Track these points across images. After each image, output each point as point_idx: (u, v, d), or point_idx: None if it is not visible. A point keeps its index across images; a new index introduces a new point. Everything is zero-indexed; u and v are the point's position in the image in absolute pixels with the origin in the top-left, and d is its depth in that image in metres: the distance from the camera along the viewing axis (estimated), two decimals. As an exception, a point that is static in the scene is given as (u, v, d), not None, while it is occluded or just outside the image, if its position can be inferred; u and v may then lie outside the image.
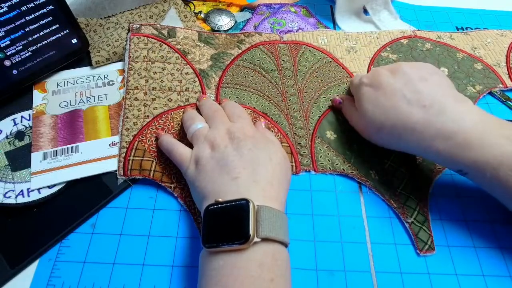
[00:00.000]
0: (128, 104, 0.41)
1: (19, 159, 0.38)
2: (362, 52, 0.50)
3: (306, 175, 0.39)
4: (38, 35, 0.42)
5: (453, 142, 0.31)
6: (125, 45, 0.46)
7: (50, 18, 0.43)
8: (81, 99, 0.43)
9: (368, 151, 0.40)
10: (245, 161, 0.31)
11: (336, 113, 0.43)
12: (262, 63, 0.47)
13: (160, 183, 0.37)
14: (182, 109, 0.42)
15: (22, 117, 0.42)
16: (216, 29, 0.52)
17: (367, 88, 0.38)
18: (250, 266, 0.26)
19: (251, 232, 0.26)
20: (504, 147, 0.30)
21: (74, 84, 0.44)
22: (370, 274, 0.33)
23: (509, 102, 0.46)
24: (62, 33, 0.44)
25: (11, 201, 0.35)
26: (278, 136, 0.41)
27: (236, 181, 0.30)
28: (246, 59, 0.47)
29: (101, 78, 0.45)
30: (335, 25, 0.55)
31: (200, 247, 0.29)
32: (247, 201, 0.27)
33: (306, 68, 0.47)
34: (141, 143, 0.39)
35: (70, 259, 0.33)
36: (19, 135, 0.40)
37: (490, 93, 0.47)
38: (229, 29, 0.53)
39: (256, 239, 0.26)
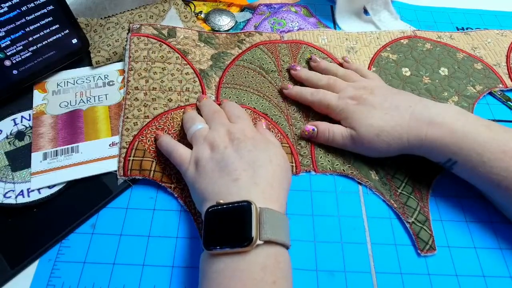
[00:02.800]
0: (128, 104, 0.41)
1: (19, 159, 0.38)
2: (362, 52, 0.49)
3: (306, 176, 0.39)
4: (38, 35, 0.42)
5: (443, 130, 0.34)
6: (125, 45, 0.46)
7: (50, 18, 0.43)
8: (81, 99, 0.43)
9: (369, 152, 0.40)
10: (245, 163, 0.31)
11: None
12: (263, 64, 0.47)
13: (160, 184, 0.37)
14: (182, 109, 0.42)
15: (22, 117, 0.42)
16: (216, 29, 0.52)
17: (355, 105, 0.39)
18: (252, 269, 0.26)
19: (254, 234, 0.26)
20: (485, 133, 0.33)
21: (74, 84, 0.44)
22: (371, 275, 0.33)
23: (509, 103, 0.46)
24: (62, 33, 0.44)
25: (11, 201, 0.35)
26: (278, 136, 0.41)
27: (236, 183, 0.30)
28: (246, 59, 0.47)
29: (101, 78, 0.45)
30: (335, 25, 0.55)
31: (200, 248, 0.29)
32: (249, 203, 0.27)
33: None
34: (141, 143, 0.39)
35: (70, 259, 0.33)
36: (19, 135, 0.40)
37: (490, 93, 0.47)
38: (230, 29, 0.52)
39: (258, 242, 0.26)
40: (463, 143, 0.33)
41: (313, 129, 0.40)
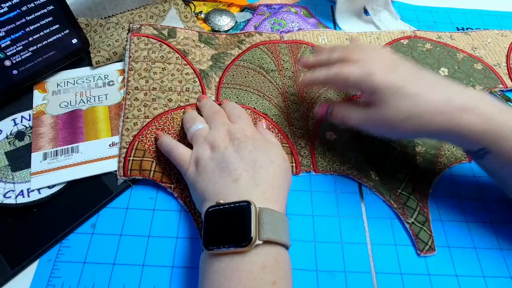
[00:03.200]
0: (128, 105, 0.41)
1: (19, 159, 0.38)
2: (362, 53, 0.49)
3: (307, 176, 0.39)
4: (38, 35, 0.42)
5: (479, 118, 0.30)
6: (125, 45, 0.46)
7: (50, 18, 0.43)
8: (81, 99, 0.43)
9: (369, 152, 0.40)
10: (246, 163, 0.31)
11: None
12: (263, 63, 0.47)
13: (160, 184, 0.37)
14: (182, 110, 0.42)
15: (22, 117, 0.42)
16: (216, 29, 0.52)
17: (382, 76, 0.33)
18: (252, 269, 0.26)
19: (253, 234, 0.26)
20: None
21: (74, 84, 0.44)
22: (371, 275, 0.33)
23: (509, 103, 0.46)
24: (62, 33, 0.44)
25: (11, 201, 0.35)
26: (278, 136, 0.41)
27: (237, 183, 0.30)
28: (246, 59, 0.47)
29: (101, 78, 0.45)
30: (335, 25, 0.55)
31: (200, 248, 0.29)
32: (248, 203, 0.27)
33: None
34: (141, 144, 0.39)
35: (70, 259, 0.33)
36: (19, 135, 0.40)
37: (490, 93, 0.47)
38: (230, 29, 0.52)
39: (258, 242, 0.26)
40: (502, 132, 0.30)
41: (328, 109, 0.36)
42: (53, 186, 0.36)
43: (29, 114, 0.42)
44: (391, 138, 0.36)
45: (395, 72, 0.33)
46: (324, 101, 0.42)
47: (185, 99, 0.43)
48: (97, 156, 0.38)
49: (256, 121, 0.41)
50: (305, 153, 0.40)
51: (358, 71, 0.33)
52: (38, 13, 0.42)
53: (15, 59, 0.42)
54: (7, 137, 0.40)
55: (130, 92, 0.42)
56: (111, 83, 0.45)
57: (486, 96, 0.32)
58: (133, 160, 0.38)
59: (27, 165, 0.38)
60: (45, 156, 0.38)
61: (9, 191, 0.36)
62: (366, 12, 0.56)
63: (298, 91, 0.45)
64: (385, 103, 0.32)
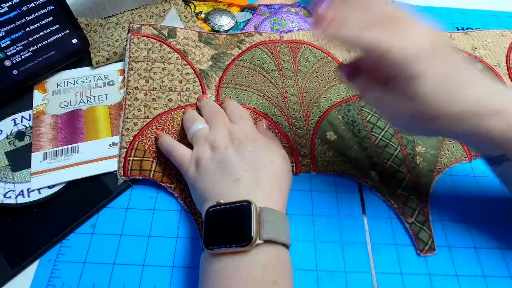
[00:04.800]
0: (128, 105, 0.41)
1: (19, 159, 0.38)
2: (362, 53, 0.49)
3: (307, 176, 0.39)
4: (38, 35, 0.42)
5: (505, 120, 0.26)
6: (126, 45, 0.46)
7: (50, 18, 0.43)
8: (82, 99, 0.43)
9: (368, 152, 0.40)
10: (246, 163, 0.31)
11: (336, 113, 0.43)
12: (262, 63, 0.47)
13: (161, 184, 0.37)
14: (183, 109, 0.42)
15: (22, 117, 0.42)
16: (216, 29, 0.52)
17: (426, 60, 0.26)
18: (253, 268, 0.26)
19: (253, 234, 0.26)
20: None
21: (74, 84, 0.44)
22: (371, 275, 0.33)
23: (509, 103, 0.46)
24: (62, 33, 0.44)
25: (11, 201, 0.35)
26: (278, 136, 0.41)
27: (237, 183, 0.30)
28: (246, 59, 0.47)
29: (101, 78, 0.45)
30: (335, 25, 0.55)
31: (201, 248, 0.29)
32: (249, 203, 0.27)
33: (306, 68, 0.47)
34: (141, 144, 0.39)
35: (70, 260, 0.33)
36: (20, 135, 0.40)
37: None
38: (230, 29, 0.52)
39: (258, 241, 0.26)
40: None
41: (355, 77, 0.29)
42: (53, 186, 0.36)
43: (29, 114, 0.42)
44: (408, 132, 0.32)
45: (436, 59, 0.27)
46: (325, 99, 0.42)
47: (185, 99, 0.43)
48: (97, 156, 0.38)
49: (256, 121, 0.41)
50: (305, 153, 0.40)
51: (404, 45, 0.26)
52: (38, 13, 0.42)
53: (15, 59, 0.42)
54: (7, 137, 0.40)
55: (130, 92, 0.42)
56: (111, 83, 0.45)
57: None
58: (133, 160, 0.38)
59: (27, 165, 0.38)
60: (45, 156, 0.38)
61: (9, 191, 0.36)
62: (366, 12, 0.56)
63: (298, 91, 0.45)
64: (420, 95, 0.27)
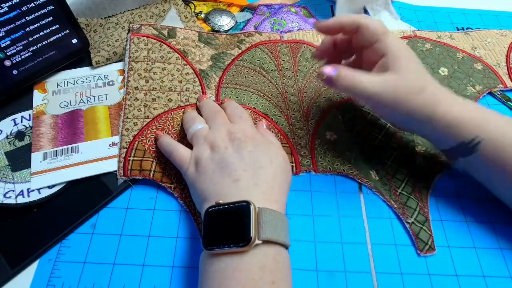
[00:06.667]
0: (128, 105, 0.41)
1: (19, 159, 0.38)
2: (362, 53, 0.49)
3: (306, 176, 0.39)
4: (38, 35, 0.42)
5: (469, 108, 0.32)
6: (125, 45, 0.46)
7: (50, 18, 0.43)
8: (81, 99, 0.43)
9: (368, 152, 0.40)
10: (246, 163, 0.31)
11: (336, 113, 0.43)
12: (262, 63, 0.47)
13: (160, 184, 0.37)
14: (182, 109, 0.42)
15: (22, 117, 0.42)
16: (216, 29, 0.52)
17: (400, 43, 0.32)
18: (251, 268, 0.26)
19: (252, 234, 0.26)
20: (506, 117, 0.33)
21: (74, 84, 0.44)
22: (371, 275, 0.33)
23: (509, 103, 0.46)
24: (62, 33, 0.44)
25: (11, 201, 0.35)
26: (278, 136, 0.41)
27: (237, 184, 0.30)
28: (246, 59, 0.47)
29: (101, 78, 0.45)
30: (335, 25, 0.55)
31: (200, 248, 0.29)
32: (248, 203, 0.27)
33: (306, 68, 0.47)
34: (141, 144, 0.39)
35: (70, 259, 0.33)
36: (19, 135, 0.40)
37: (490, 93, 0.47)
38: (230, 29, 0.52)
39: (257, 242, 0.26)
40: (491, 120, 0.32)
41: (334, 71, 0.31)
42: (53, 186, 0.36)
43: (29, 114, 0.42)
44: (394, 120, 0.35)
45: (404, 50, 0.33)
46: (325, 99, 0.42)
47: (185, 99, 0.43)
48: (97, 156, 0.38)
49: (256, 121, 0.41)
50: (305, 153, 0.40)
51: (386, 29, 0.32)
52: (38, 13, 0.42)
53: (15, 59, 0.42)
54: (7, 137, 0.40)
55: (130, 92, 0.42)
56: (111, 83, 0.45)
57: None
58: (133, 160, 0.38)
59: (27, 165, 0.38)
60: (45, 156, 0.38)
61: (9, 191, 0.36)
62: (366, 12, 0.56)
63: (298, 91, 0.45)
64: (405, 67, 0.31)
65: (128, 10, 0.50)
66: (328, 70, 0.32)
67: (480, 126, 0.32)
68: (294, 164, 0.39)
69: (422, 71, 0.33)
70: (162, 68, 0.44)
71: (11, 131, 0.40)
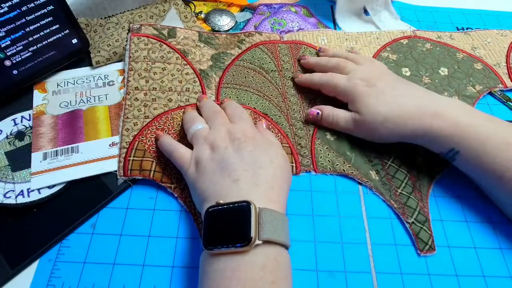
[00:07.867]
0: (128, 105, 0.41)
1: (19, 159, 0.38)
2: (362, 52, 0.49)
3: (307, 176, 0.39)
4: (38, 35, 0.42)
5: (448, 123, 0.34)
6: (125, 45, 0.46)
7: (50, 18, 0.43)
8: (81, 99, 0.43)
9: (368, 152, 0.40)
10: (246, 163, 0.31)
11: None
12: (263, 64, 0.47)
13: (160, 184, 0.37)
14: (182, 109, 0.42)
15: (22, 117, 0.42)
16: (216, 29, 0.52)
17: (364, 87, 0.39)
18: (252, 268, 0.26)
19: (252, 234, 0.26)
20: (489, 125, 0.34)
21: (74, 84, 0.44)
22: (371, 275, 0.33)
23: (509, 103, 0.46)
24: (62, 33, 0.44)
25: (11, 201, 0.35)
26: (278, 136, 0.41)
27: (237, 184, 0.30)
28: (246, 59, 0.47)
29: (101, 78, 0.45)
30: (335, 25, 0.55)
31: (200, 248, 0.29)
32: (248, 203, 0.27)
33: (306, 67, 0.47)
34: (141, 144, 0.39)
35: (70, 260, 0.33)
36: (19, 135, 0.40)
37: (490, 93, 0.47)
38: (230, 29, 0.53)
39: (257, 242, 0.26)
40: (467, 133, 0.34)
41: (318, 113, 0.41)
42: (53, 186, 0.36)
43: (29, 114, 0.42)
44: (374, 141, 0.39)
45: (378, 81, 0.38)
46: (320, 103, 0.43)
47: (185, 99, 0.43)
48: (97, 156, 0.38)
49: (256, 121, 0.41)
50: (305, 153, 0.40)
51: (345, 82, 0.40)
52: (38, 13, 0.42)
53: (15, 59, 0.42)
54: (7, 137, 0.40)
55: (130, 92, 0.42)
56: (111, 83, 0.45)
57: (458, 103, 0.37)
58: (133, 160, 0.38)
59: (27, 165, 0.38)
60: (45, 156, 0.38)
61: (9, 191, 0.36)
62: (366, 12, 0.56)
63: (298, 91, 0.45)
64: (366, 108, 0.37)
65: (128, 10, 0.50)
66: (313, 111, 0.41)
67: (455, 139, 0.34)
68: (294, 164, 0.39)
69: (382, 109, 0.37)
70: (162, 68, 0.44)
71: (11, 131, 0.40)
